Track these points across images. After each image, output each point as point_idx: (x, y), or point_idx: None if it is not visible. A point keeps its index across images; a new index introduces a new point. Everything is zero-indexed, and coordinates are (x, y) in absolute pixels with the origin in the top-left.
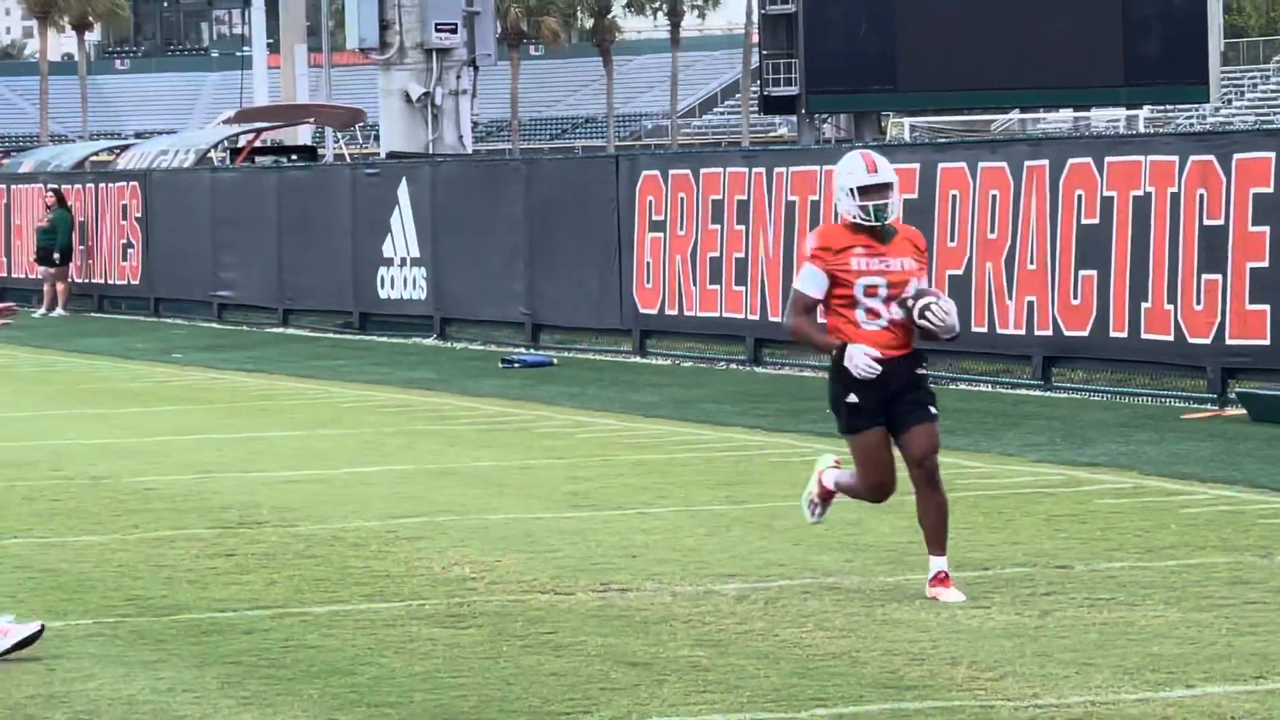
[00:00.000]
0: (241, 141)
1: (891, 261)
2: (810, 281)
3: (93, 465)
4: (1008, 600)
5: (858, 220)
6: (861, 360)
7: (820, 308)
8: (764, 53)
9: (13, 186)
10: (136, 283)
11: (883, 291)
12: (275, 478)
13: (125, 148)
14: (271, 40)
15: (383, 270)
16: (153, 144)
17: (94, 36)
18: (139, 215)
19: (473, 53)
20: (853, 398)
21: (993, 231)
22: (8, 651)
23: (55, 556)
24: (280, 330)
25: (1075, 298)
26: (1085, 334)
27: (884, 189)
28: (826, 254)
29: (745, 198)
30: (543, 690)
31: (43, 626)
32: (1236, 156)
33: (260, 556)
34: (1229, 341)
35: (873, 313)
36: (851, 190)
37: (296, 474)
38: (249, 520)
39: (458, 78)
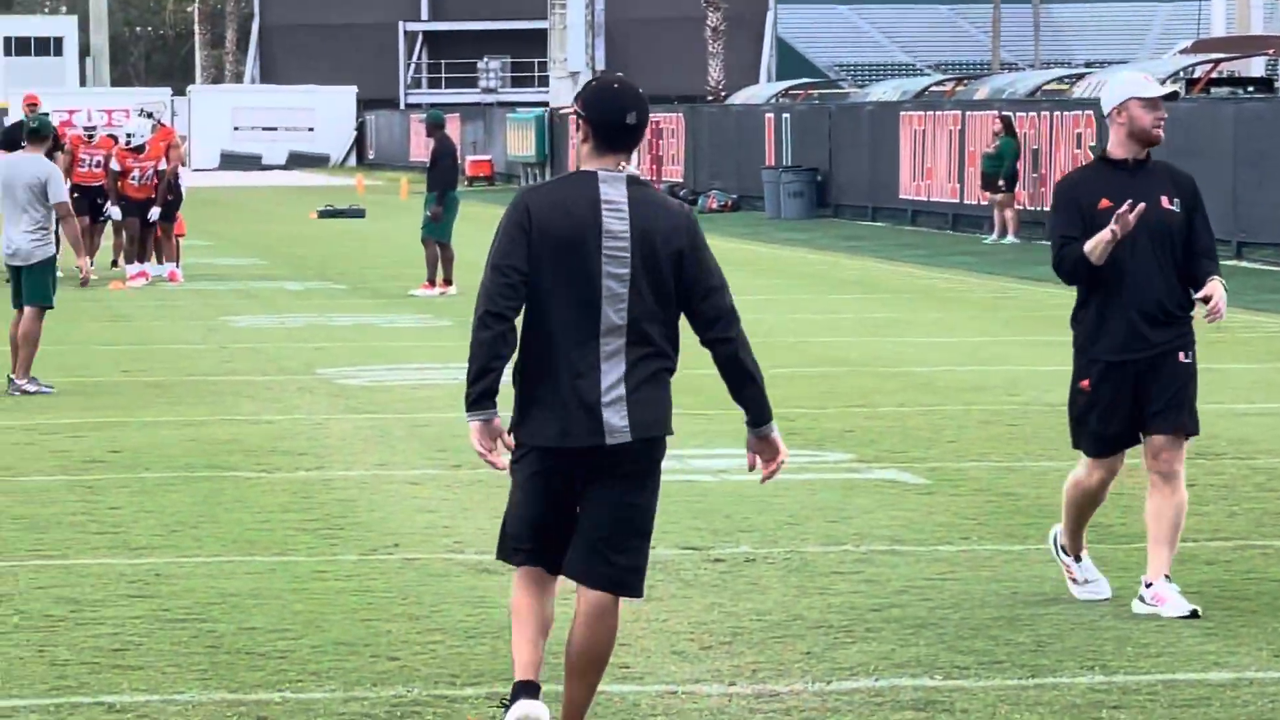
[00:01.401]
0: (1198, 73)
1: None
2: None
3: (1048, 392)
4: None
5: None
6: None
7: None
8: None
9: (967, 113)
10: None
11: None
12: (1231, 410)
13: (1079, 77)
14: None
15: None
16: (1107, 74)
17: None
18: (1093, 145)
19: None
20: None
21: None
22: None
23: (1014, 481)
24: (1234, 263)
25: None
26: None
27: None
28: None
29: None
30: None
31: (1195, 611)
32: None
33: (1219, 488)
34: None
35: None
36: None
37: (1252, 406)
38: (1206, 452)
39: None
